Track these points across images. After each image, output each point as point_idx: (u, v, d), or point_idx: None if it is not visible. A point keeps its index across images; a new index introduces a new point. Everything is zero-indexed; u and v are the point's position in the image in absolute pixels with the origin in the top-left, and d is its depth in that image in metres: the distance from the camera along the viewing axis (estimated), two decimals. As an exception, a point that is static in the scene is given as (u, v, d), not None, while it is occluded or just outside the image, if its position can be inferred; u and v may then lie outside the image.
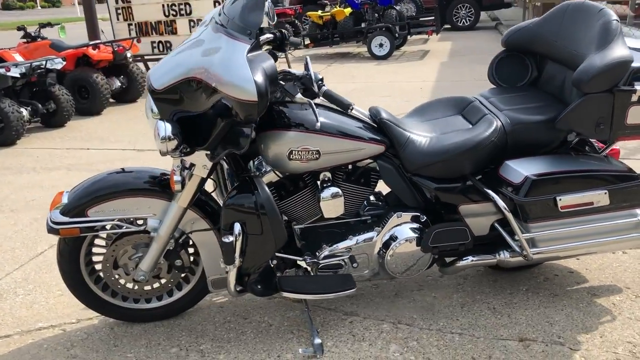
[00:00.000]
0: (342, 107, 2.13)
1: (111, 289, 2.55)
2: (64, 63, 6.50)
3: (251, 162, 2.44)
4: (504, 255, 2.55)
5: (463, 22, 15.01)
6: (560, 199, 2.33)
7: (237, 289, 2.34)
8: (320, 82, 2.14)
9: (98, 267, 2.52)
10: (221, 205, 2.51)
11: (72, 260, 2.42)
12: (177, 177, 2.16)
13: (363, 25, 11.01)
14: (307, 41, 11.28)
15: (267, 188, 2.20)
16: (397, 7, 11.31)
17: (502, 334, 2.44)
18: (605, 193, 2.37)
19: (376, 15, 11.08)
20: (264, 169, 2.42)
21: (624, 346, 2.33)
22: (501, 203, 2.35)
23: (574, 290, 2.74)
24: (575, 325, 2.48)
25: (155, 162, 4.93)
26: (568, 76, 2.56)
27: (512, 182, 2.36)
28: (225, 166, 2.44)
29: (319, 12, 11.37)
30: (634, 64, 2.27)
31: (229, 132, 2.07)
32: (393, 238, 2.46)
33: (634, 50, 2.34)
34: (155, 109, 2.14)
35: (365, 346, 2.41)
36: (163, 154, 2.09)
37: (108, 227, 2.36)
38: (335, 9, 11.22)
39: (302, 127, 2.25)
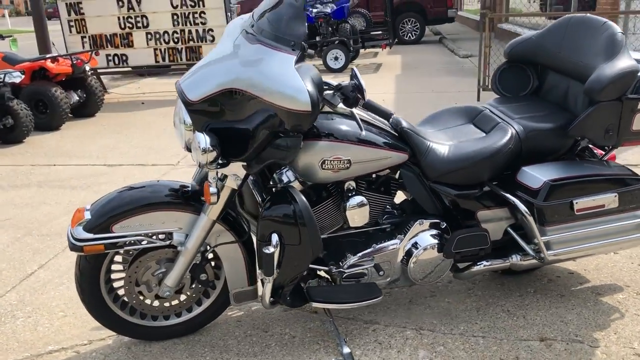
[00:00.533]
0: (384, 117, 2.15)
1: (129, 307, 2.46)
2: (23, 76, 6.24)
3: (275, 173, 2.42)
4: (516, 259, 2.64)
5: (409, 36, 15.41)
6: (576, 202, 2.44)
7: (271, 301, 2.31)
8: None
9: (116, 284, 2.44)
10: (239, 215, 2.50)
11: (92, 278, 2.33)
12: (213, 189, 2.13)
13: (318, 38, 11.11)
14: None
15: (304, 197, 2.19)
16: (350, 21, 11.49)
17: (522, 335, 2.52)
18: (616, 196, 2.50)
19: (330, 29, 11.22)
20: (286, 180, 2.42)
21: (638, 342, 2.45)
22: (522, 207, 2.43)
23: (579, 290, 2.86)
24: (588, 323, 2.58)
25: (131, 178, 4.81)
26: (571, 85, 2.69)
27: (531, 187, 2.44)
28: (250, 177, 2.41)
29: (273, 26, 11.39)
30: (640, 74, 2.42)
31: (271, 142, 2.06)
32: (416, 245, 2.50)
33: (638, 61, 2.48)
34: (189, 121, 2.10)
35: (394, 353, 2.43)
36: (202, 165, 2.06)
37: (133, 242, 2.29)
38: (289, 23, 11.28)
39: (332, 137, 2.27)
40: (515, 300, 2.80)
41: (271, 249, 2.11)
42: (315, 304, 2.36)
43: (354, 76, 2.13)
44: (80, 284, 2.34)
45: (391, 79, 9.68)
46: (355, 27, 11.56)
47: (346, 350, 2.41)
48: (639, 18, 7.61)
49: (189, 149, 2.18)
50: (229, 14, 8.37)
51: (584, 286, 2.90)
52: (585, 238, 2.55)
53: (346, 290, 2.43)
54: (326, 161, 2.25)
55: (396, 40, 12.82)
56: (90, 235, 2.20)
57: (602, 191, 2.48)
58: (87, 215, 2.25)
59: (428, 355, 2.41)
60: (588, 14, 2.69)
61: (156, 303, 2.47)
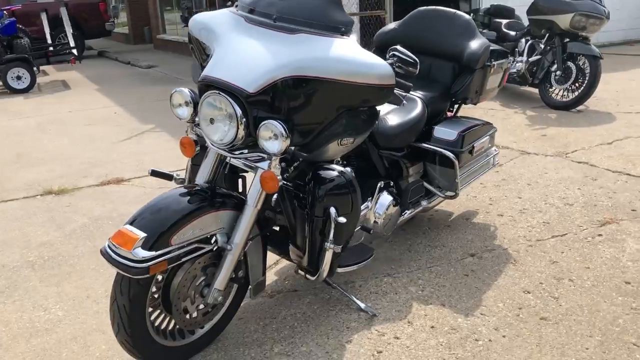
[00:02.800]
0: (406, 89, 2.49)
1: (162, 331, 2.26)
2: None
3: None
4: (425, 203, 3.30)
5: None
6: (474, 146, 3.23)
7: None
8: None
9: (149, 309, 2.20)
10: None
11: (142, 304, 2.09)
12: (279, 177, 2.16)
13: (-10, 58, 9.73)
14: None
15: (342, 167, 2.40)
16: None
17: (457, 257, 3.20)
18: (487, 138, 3.38)
19: (0, 46, 9.94)
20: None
21: (522, 240, 3.39)
22: (451, 155, 3.08)
23: (455, 219, 3.70)
24: (484, 238, 3.42)
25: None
26: (434, 63, 3.46)
27: (449, 140, 3.13)
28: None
29: None
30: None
31: (342, 122, 2.23)
32: (382, 204, 2.92)
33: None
34: (240, 112, 2.09)
35: (394, 296, 2.82)
36: (276, 155, 2.09)
37: (189, 251, 2.13)
38: (-56, 42, 9.58)
39: None
40: (425, 236, 3.46)
41: (343, 219, 2.27)
42: (340, 270, 2.58)
43: (398, 53, 2.42)
44: (129, 316, 2.05)
45: (97, 94, 9.25)
46: (29, 42, 10.51)
47: (363, 305, 2.70)
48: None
49: (232, 146, 2.15)
50: None
51: (454, 216, 3.75)
52: (472, 173, 3.38)
53: (352, 253, 2.70)
54: (343, 138, 2.49)
55: (83, 52, 12.09)
56: (153, 253, 1.98)
57: (482, 135, 3.33)
58: (139, 233, 2.00)
59: (418, 289, 2.88)
60: (436, 7, 3.50)
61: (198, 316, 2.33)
